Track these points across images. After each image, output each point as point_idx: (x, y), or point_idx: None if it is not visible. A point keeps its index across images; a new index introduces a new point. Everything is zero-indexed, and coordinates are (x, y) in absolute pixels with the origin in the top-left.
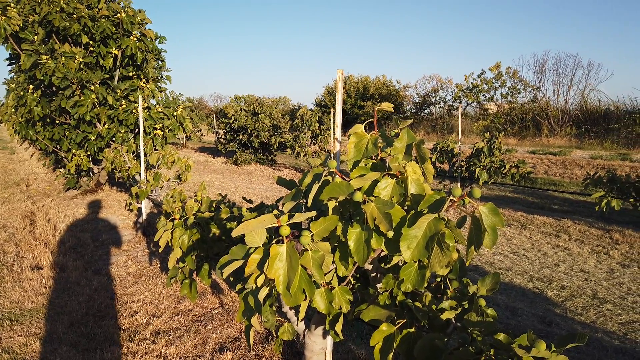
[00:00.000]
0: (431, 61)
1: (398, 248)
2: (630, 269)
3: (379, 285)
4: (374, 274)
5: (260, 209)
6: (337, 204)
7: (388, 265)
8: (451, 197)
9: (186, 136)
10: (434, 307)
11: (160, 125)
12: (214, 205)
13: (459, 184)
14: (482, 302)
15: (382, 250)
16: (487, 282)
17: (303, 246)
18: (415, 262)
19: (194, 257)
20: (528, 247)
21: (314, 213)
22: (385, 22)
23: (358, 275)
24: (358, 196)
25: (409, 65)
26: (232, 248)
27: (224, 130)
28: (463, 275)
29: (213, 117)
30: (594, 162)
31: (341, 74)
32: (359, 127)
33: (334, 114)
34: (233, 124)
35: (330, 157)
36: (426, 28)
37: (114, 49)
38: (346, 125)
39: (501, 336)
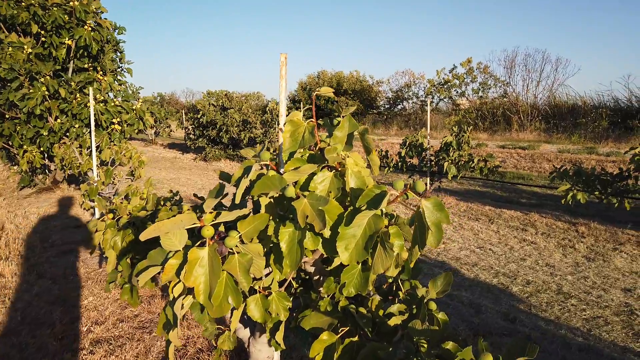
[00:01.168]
0: (404, 56)
1: (336, 249)
2: (595, 263)
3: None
4: (317, 277)
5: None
6: (271, 200)
7: (330, 267)
8: (392, 192)
9: (155, 132)
10: (381, 312)
11: (118, 119)
12: (162, 203)
13: (428, 179)
14: (433, 306)
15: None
16: (438, 284)
17: (230, 249)
18: (359, 263)
19: (128, 260)
20: (495, 242)
21: (245, 211)
22: (359, 16)
23: (307, 277)
24: (290, 191)
25: (382, 60)
26: (151, 252)
27: (193, 126)
28: (416, 275)
29: (182, 113)
30: (561, 155)
31: (285, 59)
32: (296, 114)
33: (302, 108)
34: (201, 119)
35: (264, 149)
36: (399, 22)
37: (67, 39)
38: None
39: (449, 345)
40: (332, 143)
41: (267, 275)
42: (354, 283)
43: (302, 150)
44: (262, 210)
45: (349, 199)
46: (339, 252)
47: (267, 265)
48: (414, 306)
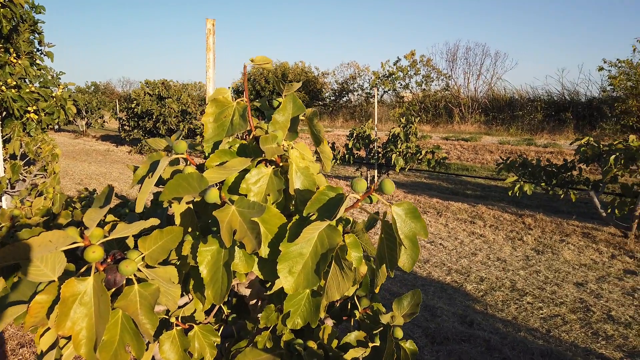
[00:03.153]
0: (349, 48)
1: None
2: (545, 255)
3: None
4: (255, 301)
5: (116, 211)
6: (190, 207)
7: (270, 292)
8: (352, 195)
9: (87, 123)
10: (335, 342)
11: (35, 107)
12: (72, 205)
13: (376, 171)
14: (399, 334)
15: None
16: (404, 305)
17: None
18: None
19: (16, 278)
20: (445, 236)
21: (153, 222)
22: (304, 5)
23: (241, 300)
24: (213, 195)
25: (327, 51)
26: (16, 282)
27: (128, 116)
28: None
29: (116, 102)
30: (502, 147)
31: (212, 25)
32: (223, 92)
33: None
34: (136, 109)
35: (180, 138)
36: (344, 13)
37: None
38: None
39: None
40: (271, 130)
41: (187, 303)
42: (300, 312)
43: (230, 139)
44: (177, 221)
45: (293, 204)
46: (280, 278)
47: (187, 291)
48: (377, 329)
